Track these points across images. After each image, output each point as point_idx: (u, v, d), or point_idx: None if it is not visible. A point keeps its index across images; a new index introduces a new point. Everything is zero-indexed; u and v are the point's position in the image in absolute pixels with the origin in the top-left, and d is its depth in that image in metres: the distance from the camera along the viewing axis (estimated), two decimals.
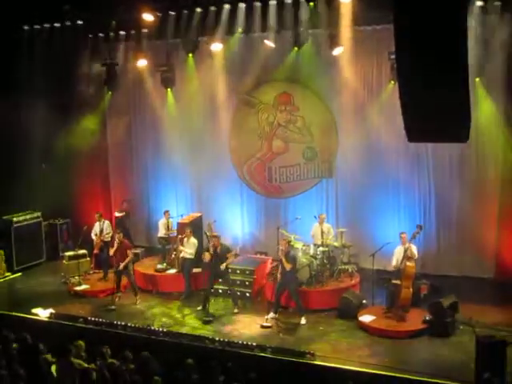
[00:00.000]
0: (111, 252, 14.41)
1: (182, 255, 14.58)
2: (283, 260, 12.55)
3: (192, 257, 14.35)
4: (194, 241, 14.41)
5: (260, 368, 9.59)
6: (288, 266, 12.49)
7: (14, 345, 10.35)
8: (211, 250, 13.52)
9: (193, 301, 13.93)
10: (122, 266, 14.05)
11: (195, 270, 14.63)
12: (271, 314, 12.70)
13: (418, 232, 12.72)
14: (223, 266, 13.46)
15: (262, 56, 15.38)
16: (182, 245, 14.51)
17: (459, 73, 4.67)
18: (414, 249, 12.60)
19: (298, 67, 15.45)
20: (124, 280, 14.45)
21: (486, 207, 14.40)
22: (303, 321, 12.60)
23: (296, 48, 14.63)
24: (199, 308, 13.39)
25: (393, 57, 12.73)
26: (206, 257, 13.57)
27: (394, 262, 12.67)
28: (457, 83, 4.71)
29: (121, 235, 14.39)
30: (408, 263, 12.32)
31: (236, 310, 13.40)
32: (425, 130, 5.30)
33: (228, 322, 12.95)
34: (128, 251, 14.24)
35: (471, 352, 10.02)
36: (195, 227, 15.23)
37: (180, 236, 14.84)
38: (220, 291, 14.03)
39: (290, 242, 13.00)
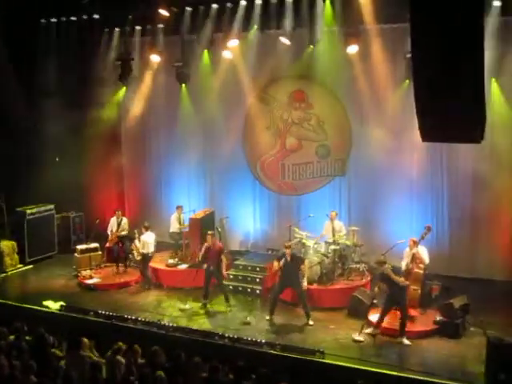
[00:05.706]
0: (199, 256, 13.78)
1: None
2: (392, 276, 11.51)
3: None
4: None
5: (269, 365, 9.59)
6: (400, 281, 11.62)
7: (26, 337, 10.44)
8: (285, 258, 12.49)
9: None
10: (224, 274, 13.58)
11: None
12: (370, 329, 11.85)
13: (426, 233, 12.54)
14: (303, 277, 12.69)
15: (278, 53, 15.35)
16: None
17: (475, 72, 4.65)
18: (425, 253, 12.43)
19: (313, 65, 15.34)
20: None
21: (500, 209, 14.26)
22: (406, 342, 11.46)
23: (311, 46, 14.62)
24: (267, 318, 12.68)
25: (408, 56, 12.65)
26: (275, 265, 12.74)
27: (403, 267, 12.36)
28: (472, 82, 4.69)
29: (213, 237, 13.96)
30: (416, 270, 12.25)
31: (311, 322, 12.49)
32: (439, 130, 5.27)
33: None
34: (222, 255, 13.59)
35: (482, 354, 9.98)
36: (207, 223, 15.26)
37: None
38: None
39: (384, 261, 11.86)
